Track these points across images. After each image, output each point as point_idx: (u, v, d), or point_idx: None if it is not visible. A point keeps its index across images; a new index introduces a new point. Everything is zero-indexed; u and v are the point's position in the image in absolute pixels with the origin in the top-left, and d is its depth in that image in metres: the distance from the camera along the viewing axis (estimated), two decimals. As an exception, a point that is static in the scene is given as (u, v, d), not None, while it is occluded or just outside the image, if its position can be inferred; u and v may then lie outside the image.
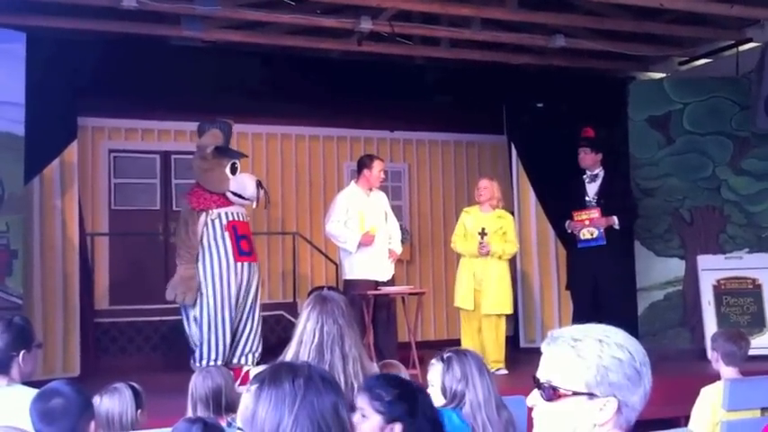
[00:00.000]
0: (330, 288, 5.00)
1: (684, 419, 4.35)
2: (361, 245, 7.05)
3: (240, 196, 6.68)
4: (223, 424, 3.43)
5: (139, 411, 3.48)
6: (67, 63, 7.33)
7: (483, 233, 7.05)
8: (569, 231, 7.50)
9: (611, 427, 1.77)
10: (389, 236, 7.28)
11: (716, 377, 4.38)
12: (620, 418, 1.77)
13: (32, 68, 6.92)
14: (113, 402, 3.41)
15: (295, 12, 7.43)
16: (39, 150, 7.07)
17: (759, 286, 8.07)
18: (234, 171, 6.71)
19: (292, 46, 8.34)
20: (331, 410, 1.68)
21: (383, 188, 7.60)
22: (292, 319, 8.32)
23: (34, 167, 7.12)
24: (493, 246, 7.04)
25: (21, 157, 6.84)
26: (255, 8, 7.35)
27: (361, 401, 2.57)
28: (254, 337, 6.74)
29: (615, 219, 7.28)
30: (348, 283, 7.21)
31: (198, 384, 3.71)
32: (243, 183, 6.68)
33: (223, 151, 6.70)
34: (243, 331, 6.68)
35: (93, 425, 3.01)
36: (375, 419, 2.52)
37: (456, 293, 7.22)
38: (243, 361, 6.63)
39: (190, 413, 3.65)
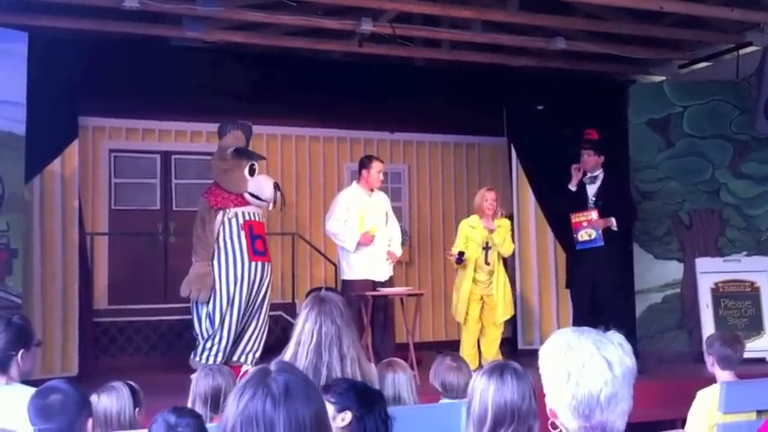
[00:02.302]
0: (328, 289, 5.02)
1: (682, 422, 4.35)
2: (360, 244, 7.08)
3: (257, 197, 6.73)
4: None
5: (137, 410, 3.49)
6: (69, 63, 7.34)
7: (487, 248, 7.10)
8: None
9: None
10: (389, 237, 7.31)
11: (713, 380, 4.38)
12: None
13: (34, 68, 6.92)
14: (111, 401, 3.42)
15: (296, 13, 7.44)
16: (39, 150, 7.08)
17: (757, 289, 8.08)
18: (252, 172, 6.80)
19: (293, 47, 8.35)
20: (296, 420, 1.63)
21: (383, 189, 7.61)
22: (291, 320, 8.32)
23: (35, 167, 7.13)
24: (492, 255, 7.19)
25: (21, 157, 6.85)
26: (257, 9, 7.36)
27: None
28: (258, 336, 6.78)
29: (613, 220, 7.26)
30: (346, 283, 7.24)
31: (200, 381, 3.74)
32: (261, 184, 6.77)
33: (242, 153, 6.78)
34: (247, 330, 6.72)
35: (90, 422, 3.02)
36: (329, 409, 2.70)
37: (461, 307, 7.19)
38: (243, 360, 6.67)
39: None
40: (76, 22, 7.29)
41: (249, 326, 6.71)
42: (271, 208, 6.99)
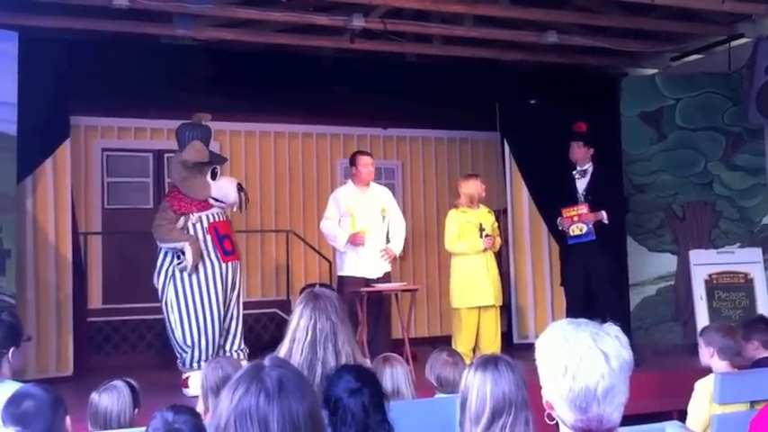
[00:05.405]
0: (322, 285, 5.02)
1: (677, 413, 4.37)
2: (350, 243, 7.07)
3: (222, 201, 6.64)
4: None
5: (137, 411, 3.48)
6: (60, 62, 7.31)
7: (482, 229, 7.13)
8: (560, 229, 7.50)
9: None
10: (389, 233, 7.28)
11: (708, 371, 4.38)
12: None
13: (25, 68, 6.91)
14: (112, 401, 3.41)
15: (287, 9, 7.41)
16: (31, 150, 7.07)
17: (751, 281, 8.10)
18: (214, 176, 6.65)
19: (284, 44, 8.32)
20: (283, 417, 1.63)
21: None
22: (285, 317, 8.30)
23: (27, 167, 7.12)
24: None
25: (13, 157, 6.84)
26: (247, 6, 7.34)
27: None
28: (242, 331, 6.80)
29: (604, 213, 7.23)
30: (341, 279, 7.25)
31: (209, 375, 3.80)
32: (224, 190, 6.60)
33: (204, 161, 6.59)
34: (229, 329, 6.70)
35: (68, 420, 3.03)
36: None
37: (464, 292, 7.16)
38: (236, 356, 6.63)
39: (201, 403, 3.77)
40: (67, 22, 7.25)
41: (230, 325, 6.68)
42: (235, 209, 6.85)
